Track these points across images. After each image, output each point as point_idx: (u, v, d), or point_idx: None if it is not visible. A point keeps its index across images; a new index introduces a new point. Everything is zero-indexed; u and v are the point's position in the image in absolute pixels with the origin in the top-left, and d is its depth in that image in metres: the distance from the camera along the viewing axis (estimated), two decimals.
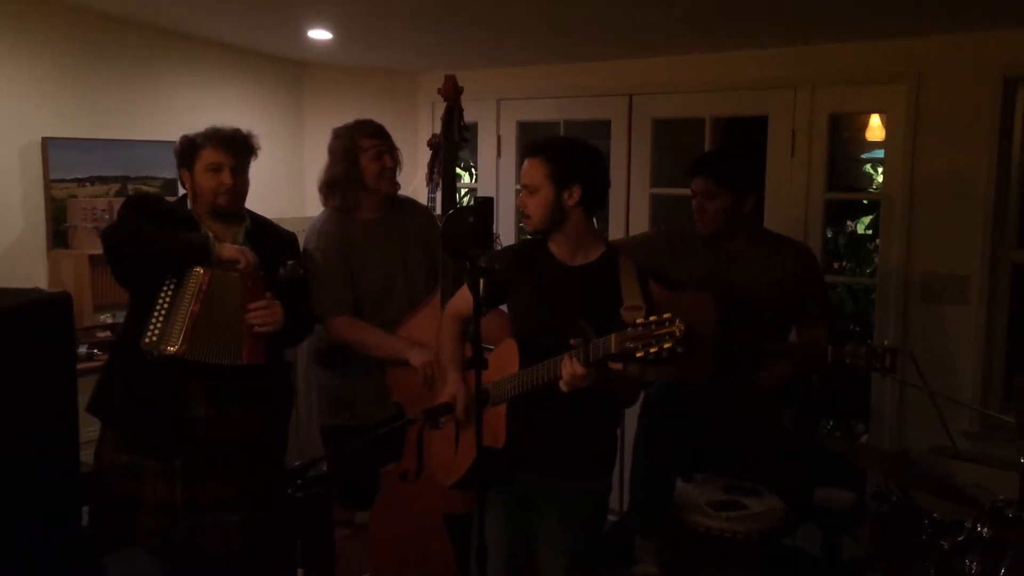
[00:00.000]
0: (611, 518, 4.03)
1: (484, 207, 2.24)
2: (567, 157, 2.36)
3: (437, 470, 2.67)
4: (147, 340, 2.58)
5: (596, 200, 2.41)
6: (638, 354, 2.00)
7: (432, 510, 2.92)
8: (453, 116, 3.14)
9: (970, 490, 2.61)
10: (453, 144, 3.14)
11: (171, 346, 2.58)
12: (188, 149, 2.75)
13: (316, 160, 4.80)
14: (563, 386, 2.15)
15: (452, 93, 3.14)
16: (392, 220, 3.18)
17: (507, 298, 2.51)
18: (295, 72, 4.74)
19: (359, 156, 3.06)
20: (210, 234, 2.70)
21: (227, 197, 2.73)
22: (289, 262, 2.81)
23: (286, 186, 4.69)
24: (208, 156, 2.71)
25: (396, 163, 3.14)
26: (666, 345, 1.97)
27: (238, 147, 2.76)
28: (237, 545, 2.70)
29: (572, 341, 2.13)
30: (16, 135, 3.50)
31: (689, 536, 2.92)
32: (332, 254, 3.07)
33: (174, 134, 3.89)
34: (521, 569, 2.47)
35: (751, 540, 2.84)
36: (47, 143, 3.54)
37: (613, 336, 2.06)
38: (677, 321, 1.98)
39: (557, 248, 2.42)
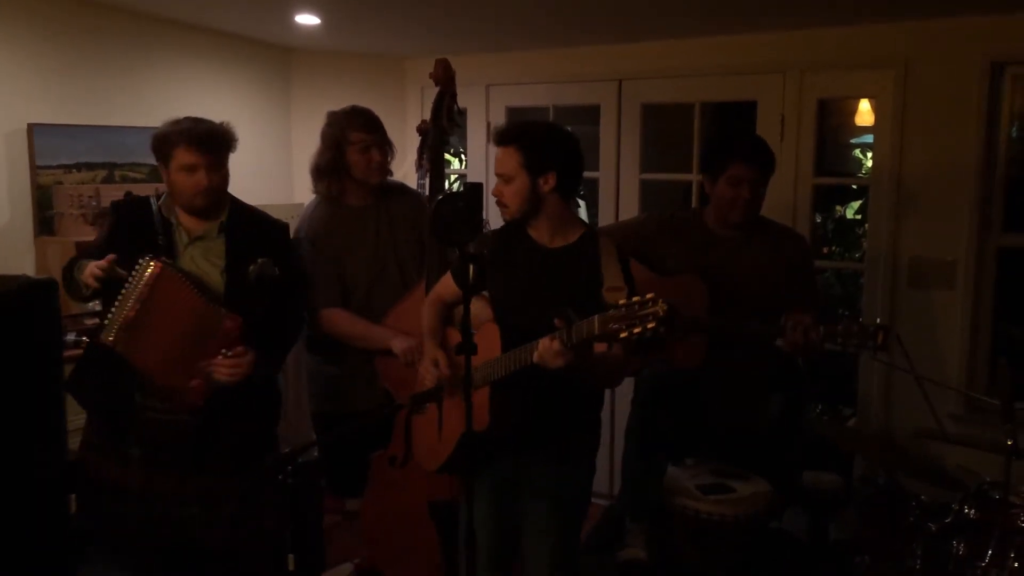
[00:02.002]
0: (601, 502, 4.06)
1: (473, 193, 2.23)
2: (541, 144, 2.35)
3: (422, 456, 2.68)
4: (105, 323, 2.52)
5: (571, 184, 2.41)
6: (622, 335, 2.01)
7: (420, 496, 2.93)
8: (443, 101, 3.12)
9: (956, 473, 2.64)
10: (441, 129, 3.12)
11: (109, 336, 2.50)
12: (161, 147, 2.61)
13: (304, 146, 4.77)
14: (535, 358, 2.15)
15: (443, 77, 3.12)
16: (383, 207, 3.17)
17: (488, 283, 2.50)
18: (283, 58, 4.71)
19: (347, 148, 3.05)
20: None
21: (203, 197, 2.61)
22: (260, 260, 2.63)
23: (274, 173, 4.67)
24: (182, 156, 2.57)
25: (385, 156, 3.11)
26: (649, 325, 1.98)
27: (212, 144, 2.60)
28: (197, 537, 2.65)
29: (556, 322, 2.13)
30: (1, 122, 3.47)
31: (677, 519, 2.95)
32: (321, 243, 3.06)
33: (161, 120, 3.85)
34: (508, 554, 2.49)
35: (738, 523, 2.86)
36: (33, 129, 3.51)
37: (596, 317, 2.07)
38: (660, 301, 1.98)
39: (536, 232, 2.42)
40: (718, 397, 3.10)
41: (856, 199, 6.04)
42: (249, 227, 2.74)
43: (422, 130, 3.29)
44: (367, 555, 3.28)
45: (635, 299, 2.02)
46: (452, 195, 2.29)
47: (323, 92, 4.74)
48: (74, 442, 2.82)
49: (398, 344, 2.93)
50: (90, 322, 3.58)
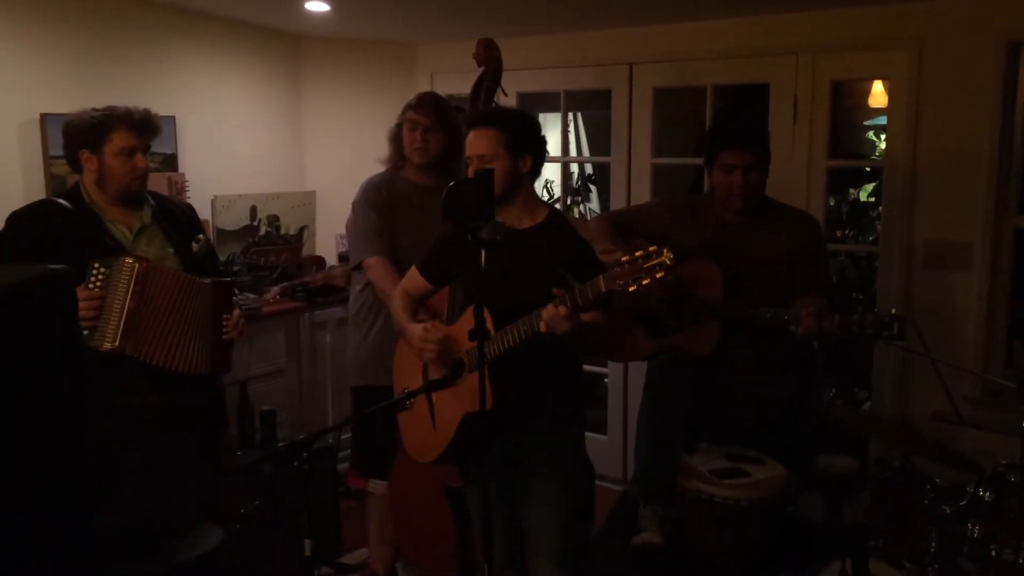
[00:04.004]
0: (616, 487, 4.07)
1: (485, 178, 2.23)
2: (520, 127, 2.43)
3: (415, 449, 2.65)
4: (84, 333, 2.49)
5: (541, 167, 2.50)
6: (631, 288, 2.03)
7: (442, 480, 2.94)
8: (482, 83, 3.13)
9: (972, 455, 2.63)
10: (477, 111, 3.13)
11: (107, 342, 2.52)
12: (92, 133, 2.62)
13: (315, 134, 4.79)
14: (542, 326, 2.18)
15: (484, 57, 3.14)
16: (441, 189, 3.21)
17: (457, 273, 2.54)
18: (293, 45, 4.70)
19: (404, 123, 3.16)
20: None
21: (141, 181, 2.68)
22: (200, 236, 2.83)
23: (285, 160, 4.67)
24: (121, 139, 2.62)
25: (428, 140, 3.12)
26: (658, 275, 2.00)
27: (148, 128, 2.69)
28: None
29: (555, 291, 2.16)
30: (14, 112, 3.49)
31: (692, 504, 2.95)
32: (373, 205, 3.14)
33: (172, 109, 3.92)
34: (516, 537, 2.48)
35: (753, 507, 2.86)
36: (45, 120, 3.53)
37: (601, 276, 2.09)
38: (665, 251, 2.00)
39: (505, 215, 2.44)
40: (731, 381, 3.09)
41: (870, 182, 6.00)
42: (171, 210, 2.84)
43: None
44: (396, 531, 3.30)
45: (638, 253, 2.04)
46: (463, 181, 2.29)
47: (333, 79, 4.75)
48: None
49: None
50: None
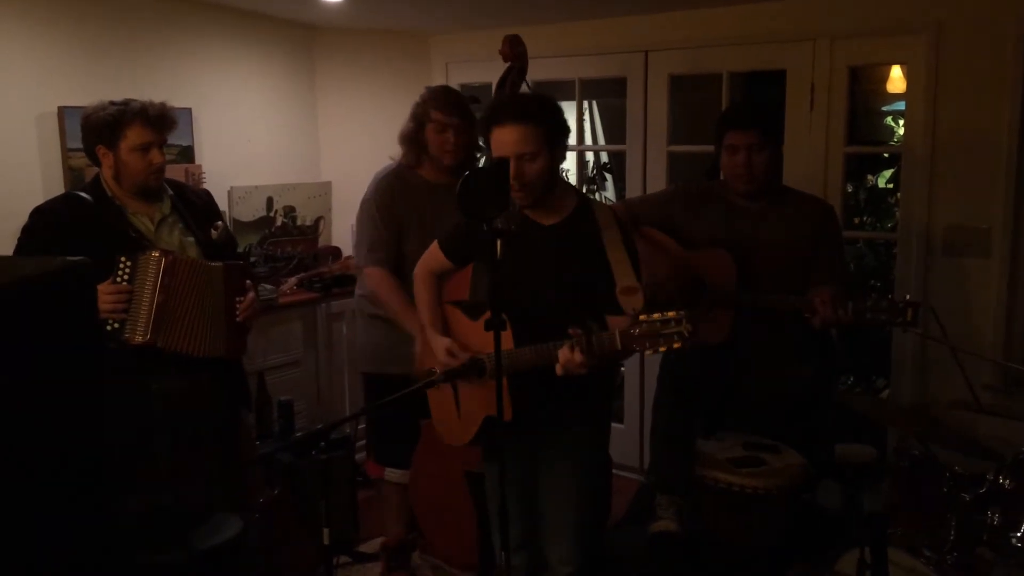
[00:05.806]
0: (633, 477, 4.07)
1: (500, 168, 2.23)
2: (555, 117, 2.31)
3: (444, 431, 2.66)
4: (108, 328, 2.54)
5: (566, 151, 2.42)
6: (647, 353, 2.02)
7: (462, 464, 2.95)
8: (508, 77, 3.13)
9: (991, 443, 2.61)
10: None
11: (139, 336, 2.57)
12: (110, 126, 2.63)
13: (330, 124, 4.80)
14: (559, 370, 2.16)
15: (510, 53, 3.14)
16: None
17: (475, 258, 2.51)
18: (307, 36, 4.70)
19: (426, 124, 3.11)
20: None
21: (157, 176, 2.69)
22: (219, 223, 2.85)
23: (300, 151, 4.68)
24: (136, 135, 2.64)
25: (461, 139, 3.10)
26: (675, 345, 1.99)
27: (165, 123, 2.71)
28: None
29: (571, 331, 2.13)
30: (32, 105, 3.51)
31: (709, 492, 2.95)
32: (384, 208, 3.13)
33: (189, 101, 3.93)
34: (531, 522, 2.49)
35: (771, 496, 2.86)
36: (63, 112, 3.55)
37: (617, 333, 2.08)
38: (684, 321, 1.98)
39: (537, 213, 2.39)
40: (747, 369, 3.09)
41: (888, 168, 5.94)
42: (189, 198, 2.87)
43: None
44: (417, 516, 3.31)
45: (656, 316, 2.01)
46: (479, 170, 2.29)
47: (348, 70, 4.75)
48: None
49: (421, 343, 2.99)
50: None
